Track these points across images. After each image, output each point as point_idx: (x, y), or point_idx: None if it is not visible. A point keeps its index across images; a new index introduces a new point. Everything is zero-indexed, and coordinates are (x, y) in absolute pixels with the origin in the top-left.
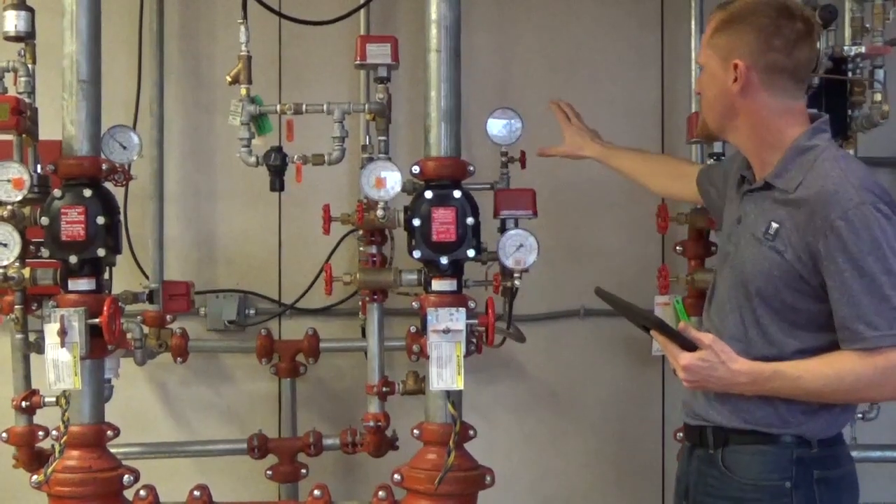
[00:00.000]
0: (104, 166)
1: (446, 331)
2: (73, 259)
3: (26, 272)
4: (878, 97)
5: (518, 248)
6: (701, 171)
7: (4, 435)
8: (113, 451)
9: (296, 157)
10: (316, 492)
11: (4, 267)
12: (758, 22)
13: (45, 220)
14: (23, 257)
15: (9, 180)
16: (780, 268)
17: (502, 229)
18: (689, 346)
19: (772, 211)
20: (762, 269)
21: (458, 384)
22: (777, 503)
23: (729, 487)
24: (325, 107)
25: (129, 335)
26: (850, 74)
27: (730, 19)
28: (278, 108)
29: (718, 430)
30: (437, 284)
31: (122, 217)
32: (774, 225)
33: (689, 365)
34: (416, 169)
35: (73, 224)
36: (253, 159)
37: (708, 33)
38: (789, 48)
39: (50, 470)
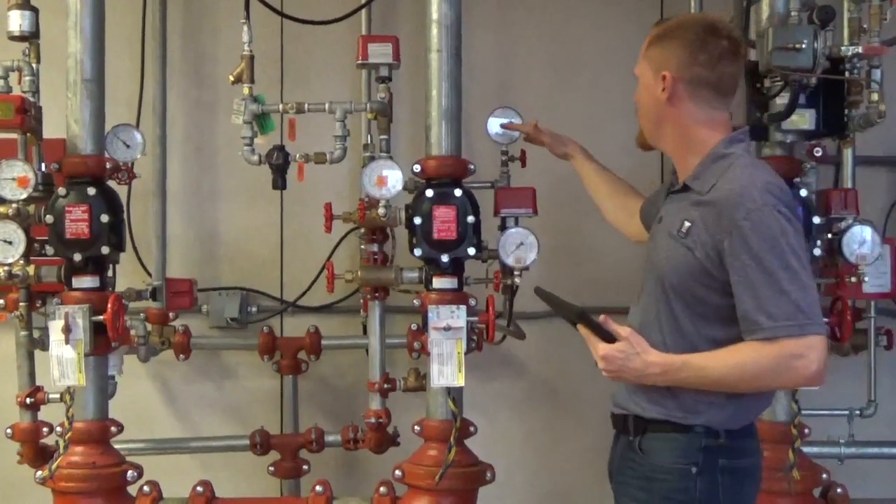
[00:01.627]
0: (108, 165)
1: (447, 328)
2: (77, 257)
3: (31, 270)
4: (875, 97)
5: (518, 246)
6: (645, 199)
7: (9, 431)
8: (117, 447)
9: (298, 155)
10: (318, 487)
11: (9, 264)
12: (686, 37)
13: (49, 218)
14: (27, 255)
15: (13, 178)
16: (690, 264)
17: (503, 227)
18: (610, 338)
19: (686, 211)
20: (674, 265)
21: (459, 381)
22: (683, 484)
23: (644, 468)
24: (326, 106)
25: (132, 332)
26: (847, 74)
27: (662, 34)
28: (280, 107)
29: (638, 419)
30: (437, 282)
31: (125, 215)
32: (687, 224)
33: (606, 355)
34: (417, 168)
35: (77, 222)
36: (255, 158)
37: (644, 47)
38: (713, 63)
39: (54, 465)
